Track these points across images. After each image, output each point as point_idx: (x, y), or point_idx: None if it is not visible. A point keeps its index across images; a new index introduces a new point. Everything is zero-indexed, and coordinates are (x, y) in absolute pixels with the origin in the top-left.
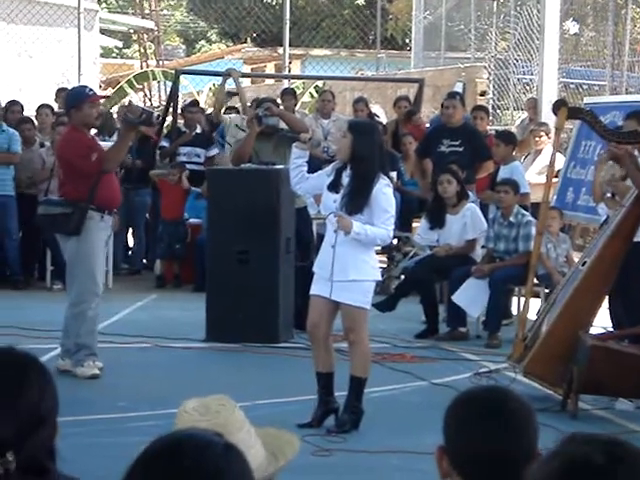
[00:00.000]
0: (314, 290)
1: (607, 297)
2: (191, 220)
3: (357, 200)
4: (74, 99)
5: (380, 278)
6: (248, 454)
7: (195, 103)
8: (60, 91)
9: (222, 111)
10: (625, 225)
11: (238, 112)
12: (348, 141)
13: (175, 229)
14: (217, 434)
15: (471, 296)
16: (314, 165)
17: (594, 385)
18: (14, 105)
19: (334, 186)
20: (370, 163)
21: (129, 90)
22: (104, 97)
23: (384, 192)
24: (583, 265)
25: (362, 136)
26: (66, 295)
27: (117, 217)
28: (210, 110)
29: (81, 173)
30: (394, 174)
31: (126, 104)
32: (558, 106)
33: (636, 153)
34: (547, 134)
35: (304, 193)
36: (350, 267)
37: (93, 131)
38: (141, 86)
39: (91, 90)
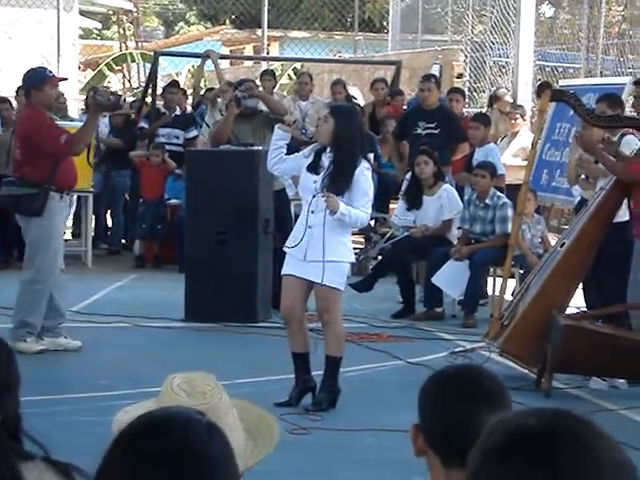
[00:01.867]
0: (287, 270)
1: None
2: (171, 201)
3: (339, 182)
4: (35, 79)
5: (354, 260)
6: (232, 437)
7: (175, 84)
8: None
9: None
10: (604, 208)
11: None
12: (330, 125)
13: (157, 209)
14: (199, 412)
15: (451, 277)
16: (291, 146)
17: (568, 364)
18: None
19: (313, 168)
20: (352, 146)
21: (108, 72)
22: (63, 79)
23: (365, 175)
24: (562, 246)
25: (344, 119)
26: (22, 272)
27: (73, 197)
28: (190, 91)
29: (47, 154)
30: (371, 156)
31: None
32: (542, 88)
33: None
34: (522, 116)
35: (281, 174)
36: (326, 248)
37: None
38: (120, 68)
39: (51, 72)
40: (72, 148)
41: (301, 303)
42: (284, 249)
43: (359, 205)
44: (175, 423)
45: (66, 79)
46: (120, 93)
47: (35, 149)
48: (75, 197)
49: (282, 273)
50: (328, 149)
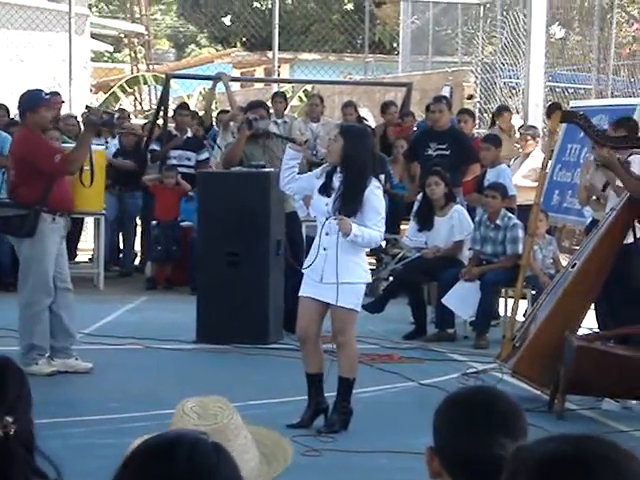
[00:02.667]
0: (304, 292)
1: None
2: (183, 223)
3: (350, 203)
4: (31, 102)
5: (370, 280)
6: (241, 460)
7: (185, 106)
8: (53, 95)
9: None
10: (615, 229)
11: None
12: (339, 144)
13: (171, 231)
14: (203, 433)
15: (461, 298)
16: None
17: (581, 385)
18: None
19: (325, 189)
20: (362, 166)
21: (121, 94)
22: (60, 102)
23: (375, 194)
24: (573, 267)
25: (353, 139)
26: (17, 296)
27: (69, 219)
28: (201, 113)
29: (42, 174)
30: (382, 177)
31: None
32: (552, 110)
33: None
34: (534, 138)
35: (293, 193)
36: (342, 269)
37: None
38: (132, 90)
39: (47, 94)
40: (66, 167)
41: (316, 324)
42: (302, 270)
43: (371, 224)
44: (182, 444)
45: (63, 102)
46: (112, 111)
47: (29, 170)
48: (68, 219)
49: (299, 294)
50: (339, 169)
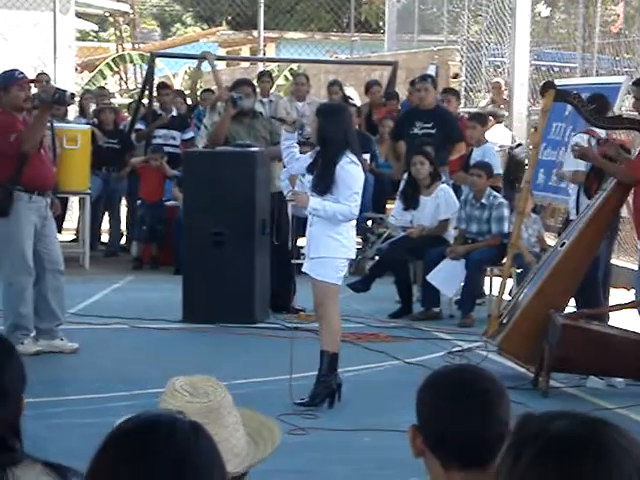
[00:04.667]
0: (303, 268)
1: None
2: (168, 202)
3: (324, 181)
4: (2, 82)
5: (352, 256)
6: (234, 437)
7: (165, 85)
8: (40, 75)
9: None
10: (605, 209)
11: (213, 93)
12: (315, 124)
13: (157, 211)
14: (180, 412)
15: (446, 276)
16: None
17: (565, 363)
18: None
19: (311, 168)
20: (335, 144)
21: (108, 73)
22: (33, 81)
23: (346, 169)
24: (562, 246)
25: (328, 119)
26: None
27: (56, 200)
28: (187, 92)
29: (6, 153)
30: (367, 156)
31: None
32: (546, 88)
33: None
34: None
35: (295, 173)
36: (321, 245)
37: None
38: (117, 69)
39: (21, 73)
40: (20, 146)
41: None
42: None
43: (342, 199)
44: (160, 424)
45: (36, 81)
46: (64, 89)
47: None
48: (51, 199)
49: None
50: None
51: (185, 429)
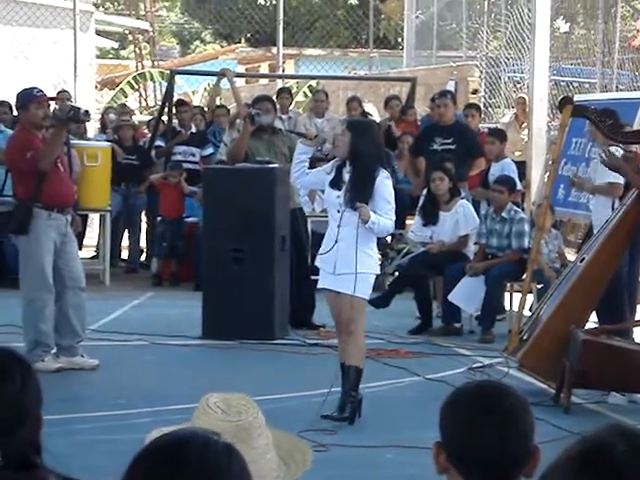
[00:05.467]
0: (321, 284)
1: None
2: (188, 219)
3: (361, 193)
4: (21, 100)
5: (379, 272)
6: (263, 459)
7: (183, 102)
8: (60, 93)
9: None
10: (624, 224)
11: (227, 110)
12: (347, 139)
13: (176, 227)
14: (215, 433)
15: (466, 293)
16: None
17: (587, 379)
18: (1, 106)
19: (336, 183)
20: (369, 158)
21: (129, 91)
22: (52, 99)
23: (385, 184)
24: (581, 262)
25: (360, 133)
26: (19, 293)
27: (77, 217)
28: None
29: (20, 171)
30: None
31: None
32: (563, 104)
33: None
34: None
35: (303, 187)
36: (354, 260)
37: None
38: (137, 87)
39: (40, 91)
40: (37, 164)
41: (339, 312)
42: (318, 258)
43: (383, 213)
44: (193, 443)
45: (56, 99)
46: (79, 106)
47: (17, 167)
48: (72, 216)
49: (317, 286)
50: (347, 163)
51: (218, 449)
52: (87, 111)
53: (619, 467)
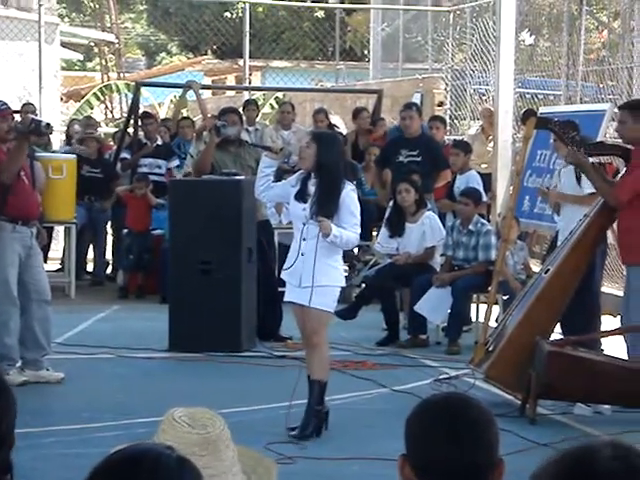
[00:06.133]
0: (287, 297)
1: None
2: (154, 231)
3: (326, 207)
4: None
5: (344, 284)
6: (230, 472)
7: (148, 115)
8: (25, 105)
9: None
10: (588, 235)
11: (192, 122)
12: (312, 151)
13: (143, 240)
14: (169, 447)
15: (433, 304)
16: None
17: (552, 390)
18: None
19: (301, 195)
20: (335, 170)
21: (95, 102)
22: (17, 112)
23: (350, 196)
24: (546, 273)
25: (326, 145)
26: None
27: (42, 230)
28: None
29: None
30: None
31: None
32: (527, 116)
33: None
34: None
35: (268, 201)
36: (318, 273)
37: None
38: (103, 98)
39: (4, 104)
40: None
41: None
42: (282, 277)
43: (348, 226)
44: (146, 458)
45: (20, 112)
46: (40, 119)
47: None
48: (37, 229)
49: (284, 299)
50: (313, 175)
51: (169, 464)
52: (48, 124)
53: (600, 472)
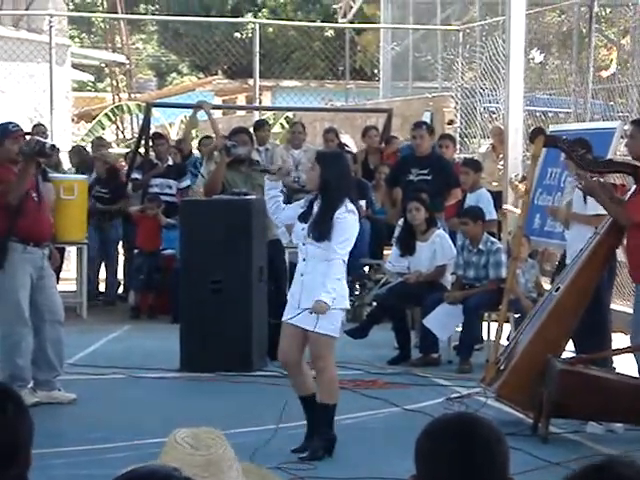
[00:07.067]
0: (285, 317)
1: None
2: (165, 251)
3: (321, 228)
4: None
5: (348, 307)
6: None
7: (159, 136)
8: (36, 127)
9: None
10: (598, 253)
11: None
12: (316, 172)
13: (154, 260)
14: (175, 469)
15: (441, 320)
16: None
17: (564, 409)
18: None
19: (304, 216)
20: (337, 191)
21: (107, 123)
22: (28, 133)
23: (342, 217)
24: (557, 291)
25: (329, 165)
26: None
27: (55, 252)
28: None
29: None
30: (363, 202)
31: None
32: (535, 134)
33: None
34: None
35: (280, 222)
36: (317, 295)
37: None
38: (114, 119)
39: (15, 126)
40: (5, 199)
41: (297, 348)
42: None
43: (334, 244)
44: (154, 479)
45: (30, 133)
46: (44, 140)
47: None
48: (49, 250)
49: (282, 319)
50: (319, 197)
51: None
52: (53, 145)
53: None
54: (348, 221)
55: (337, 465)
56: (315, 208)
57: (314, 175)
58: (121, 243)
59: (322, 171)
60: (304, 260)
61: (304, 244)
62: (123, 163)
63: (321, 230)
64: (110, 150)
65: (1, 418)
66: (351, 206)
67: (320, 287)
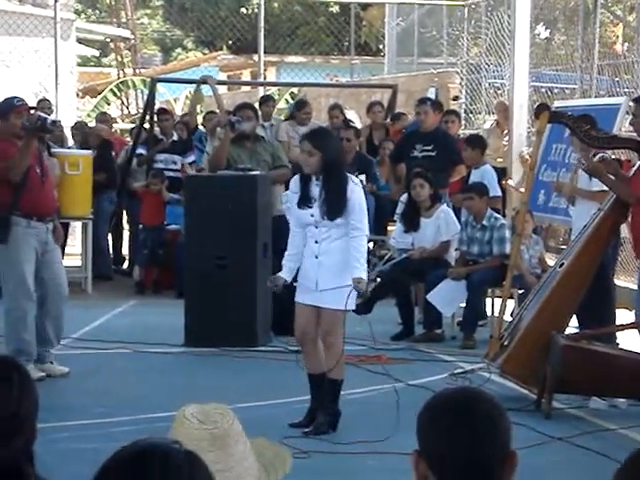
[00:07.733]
0: (300, 299)
1: None
2: (170, 226)
3: (336, 207)
4: (1, 109)
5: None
6: (240, 466)
7: (164, 111)
8: (41, 102)
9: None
10: (602, 229)
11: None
12: (316, 157)
13: (158, 235)
14: (176, 442)
15: (445, 296)
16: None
17: (568, 384)
18: None
19: (305, 202)
20: (341, 169)
21: (112, 98)
22: (33, 108)
23: (356, 191)
24: (560, 267)
25: (327, 148)
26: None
27: (59, 227)
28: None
29: (3, 180)
30: (363, 177)
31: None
32: (540, 110)
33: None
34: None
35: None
36: (335, 275)
37: None
38: (119, 95)
39: (20, 100)
40: (7, 173)
41: (313, 325)
42: (297, 279)
43: (356, 223)
44: (154, 454)
45: (35, 108)
46: (46, 116)
47: None
48: (54, 224)
49: (295, 300)
50: (314, 178)
51: (179, 459)
52: (54, 121)
53: None
54: (359, 193)
55: (341, 439)
56: (313, 190)
57: (314, 161)
58: (125, 218)
59: (322, 155)
60: (316, 242)
61: (316, 227)
62: (128, 139)
63: (336, 209)
64: (115, 125)
65: (7, 389)
66: (353, 177)
67: (342, 265)
